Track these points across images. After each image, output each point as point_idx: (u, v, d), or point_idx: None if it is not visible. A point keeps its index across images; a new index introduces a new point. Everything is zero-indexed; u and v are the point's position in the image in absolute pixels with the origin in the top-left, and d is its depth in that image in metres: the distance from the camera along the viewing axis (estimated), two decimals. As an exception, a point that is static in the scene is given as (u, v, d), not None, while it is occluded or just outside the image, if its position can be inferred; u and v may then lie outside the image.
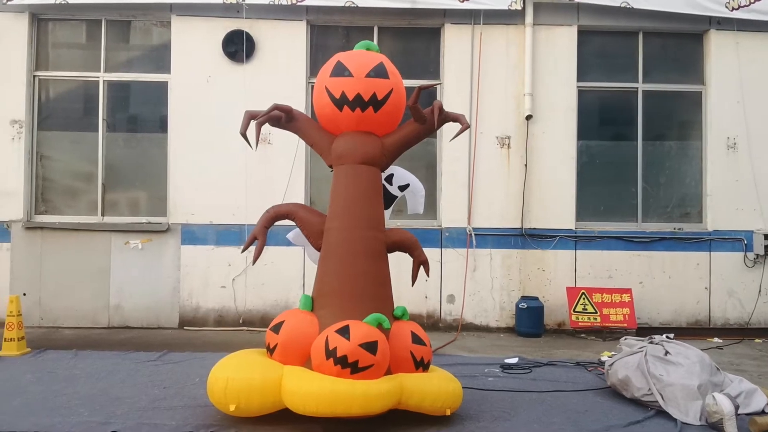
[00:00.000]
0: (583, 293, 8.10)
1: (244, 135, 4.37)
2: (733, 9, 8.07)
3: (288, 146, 7.96)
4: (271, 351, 4.08)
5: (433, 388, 3.99)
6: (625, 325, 7.98)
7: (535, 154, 8.26)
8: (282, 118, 4.50)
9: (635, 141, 8.60)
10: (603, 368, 5.92)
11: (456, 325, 8.08)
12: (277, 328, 4.08)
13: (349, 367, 3.68)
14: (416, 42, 8.58)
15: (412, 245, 4.59)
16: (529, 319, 7.97)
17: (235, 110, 7.97)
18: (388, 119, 4.46)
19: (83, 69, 8.30)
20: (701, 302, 8.36)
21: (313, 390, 3.62)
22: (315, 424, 3.89)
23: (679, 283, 8.34)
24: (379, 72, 4.36)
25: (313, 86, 8.29)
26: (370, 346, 3.74)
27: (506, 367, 5.97)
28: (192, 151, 8.08)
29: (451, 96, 8.17)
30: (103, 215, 8.13)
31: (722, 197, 8.42)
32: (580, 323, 7.99)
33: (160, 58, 8.30)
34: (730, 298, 8.35)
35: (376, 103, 4.31)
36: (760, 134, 8.33)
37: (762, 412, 4.38)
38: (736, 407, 4.08)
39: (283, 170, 8.07)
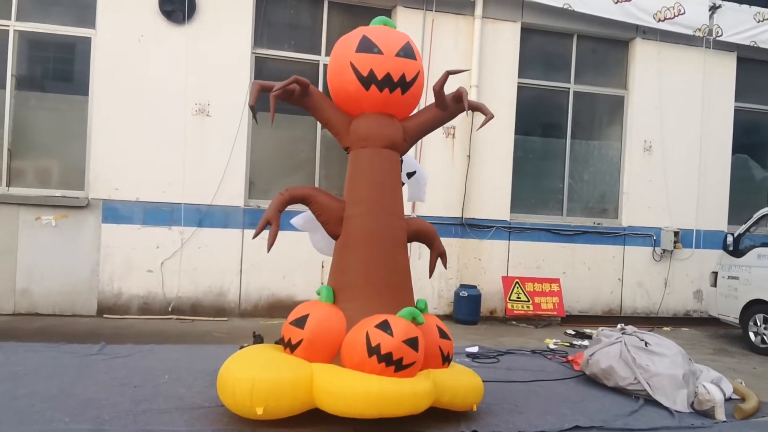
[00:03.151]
0: (517, 282, 8.39)
1: (252, 108, 3.95)
2: (659, 20, 8.68)
3: (229, 119, 7.42)
4: (292, 347, 3.73)
5: (463, 383, 3.89)
6: (555, 313, 8.39)
7: (478, 146, 8.37)
8: (296, 92, 4.09)
9: (564, 139, 9.02)
10: (558, 356, 6.22)
11: (396, 312, 8.00)
12: (301, 323, 3.72)
13: (394, 364, 3.45)
14: (365, 21, 8.19)
15: (432, 236, 4.45)
16: (468, 306, 8.12)
17: (171, 75, 7.31)
18: (411, 102, 4.25)
19: (-10, 15, 7.10)
20: (614, 292, 9.00)
21: (360, 391, 3.33)
22: (345, 425, 3.62)
23: (596, 274, 8.92)
24: (407, 52, 4.12)
25: (257, 57, 7.86)
26: (412, 342, 3.54)
27: (472, 357, 6.02)
28: (118, 118, 7.24)
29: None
30: (8, 186, 7.04)
31: (636, 196, 9.10)
32: (515, 311, 8.26)
33: (83, 10, 7.30)
34: (639, 288, 9.07)
35: (404, 84, 4.07)
36: (673, 139, 9.08)
37: (731, 399, 4.79)
38: (724, 395, 4.41)
39: (223, 145, 7.47)
